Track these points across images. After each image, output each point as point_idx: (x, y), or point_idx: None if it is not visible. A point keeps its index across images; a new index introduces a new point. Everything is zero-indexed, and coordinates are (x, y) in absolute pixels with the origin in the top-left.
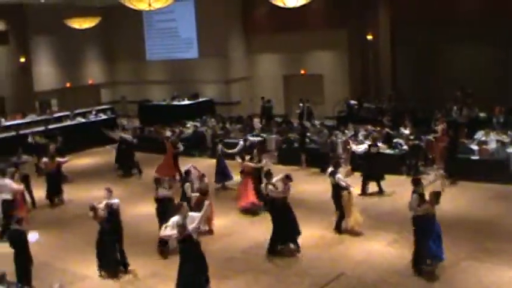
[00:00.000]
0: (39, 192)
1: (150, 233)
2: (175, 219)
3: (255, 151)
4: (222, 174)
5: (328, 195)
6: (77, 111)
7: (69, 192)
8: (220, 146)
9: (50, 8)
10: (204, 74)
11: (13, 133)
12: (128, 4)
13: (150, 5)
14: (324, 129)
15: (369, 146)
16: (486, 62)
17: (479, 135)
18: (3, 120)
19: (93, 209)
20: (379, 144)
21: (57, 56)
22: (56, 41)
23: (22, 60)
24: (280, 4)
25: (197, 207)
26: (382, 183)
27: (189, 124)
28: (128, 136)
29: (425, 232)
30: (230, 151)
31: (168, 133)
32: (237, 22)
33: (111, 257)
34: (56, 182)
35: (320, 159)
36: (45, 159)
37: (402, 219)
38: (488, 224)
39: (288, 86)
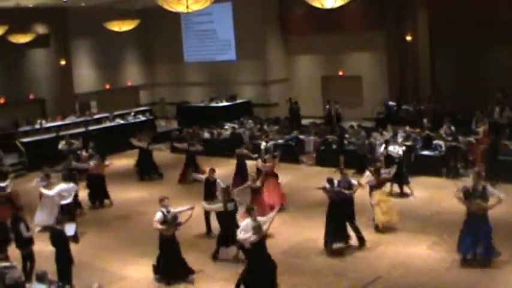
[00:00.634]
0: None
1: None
2: (248, 222)
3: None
4: (241, 175)
5: (365, 197)
6: (116, 112)
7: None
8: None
9: (90, 11)
10: (241, 75)
11: (54, 134)
12: (166, 6)
13: (188, 7)
14: (361, 130)
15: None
16: None
17: None
18: (44, 121)
19: (178, 224)
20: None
21: (96, 59)
22: (96, 44)
23: (62, 62)
24: (318, 5)
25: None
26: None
27: (227, 126)
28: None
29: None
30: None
31: (206, 135)
32: (275, 23)
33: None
34: (101, 185)
35: (358, 160)
36: (93, 162)
37: (443, 222)
38: None
39: (326, 87)
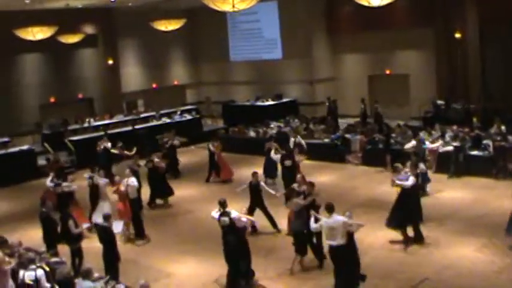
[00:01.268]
0: None
1: None
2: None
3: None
4: (270, 169)
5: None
6: (162, 111)
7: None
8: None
9: (136, 11)
10: (287, 74)
11: (102, 133)
12: (211, 6)
13: (233, 6)
14: (408, 130)
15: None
16: None
17: None
18: (92, 120)
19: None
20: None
21: (143, 58)
22: (143, 43)
23: (110, 62)
24: (365, 3)
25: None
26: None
27: (273, 124)
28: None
29: None
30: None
31: (252, 133)
32: (321, 22)
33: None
34: (165, 182)
35: (405, 160)
36: (157, 159)
37: (491, 223)
38: None
39: (373, 86)
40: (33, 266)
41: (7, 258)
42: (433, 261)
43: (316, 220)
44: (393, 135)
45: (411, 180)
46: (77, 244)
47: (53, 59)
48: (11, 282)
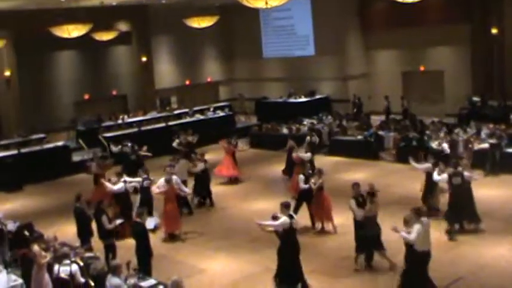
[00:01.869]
0: None
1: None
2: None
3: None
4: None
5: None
6: (196, 108)
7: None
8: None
9: (170, 8)
10: (320, 71)
11: (135, 129)
12: (245, 3)
13: (267, 3)
14: (443, 127)
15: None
16: None
17: None
18: (126, 117)
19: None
20: None
21: (176, 55)
22: (176, 40)
23: (144, 59)
24: None
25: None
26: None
27: (306, 121)
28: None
29: None
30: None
31: (285, 130)
32: (354, 18)
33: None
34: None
35: (439, 157)
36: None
37: None
38: None
39: (407, 83)
40: (68, 261)
41: (43, 253)
42: (468, 260)
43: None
44: (427, 132)
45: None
46: (110, 240)
47: (88, 57)
48: (47, 276)
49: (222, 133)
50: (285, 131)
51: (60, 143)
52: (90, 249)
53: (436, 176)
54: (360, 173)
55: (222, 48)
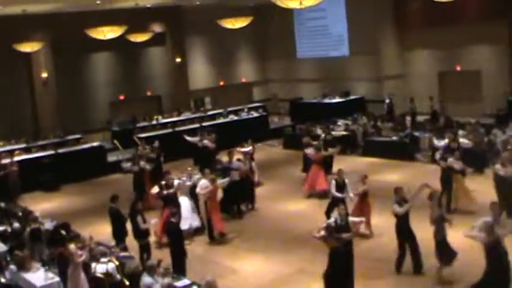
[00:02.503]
0: None
1: (296, 229)
2: (487, 220)
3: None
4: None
5: (487, 195)
6: (230, 109)
7: None
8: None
9: (203, 9)
10: (355, 71)
11: (170, 130)
12: (278, 3)
13: (301, 3)
14: (479, 127)
15: None
16: None
17: None
18: (160, 117)
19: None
20: None
21: (210, 55)
22: (210, 41)
23: (178, 60)
24: None
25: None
26: None
27: (340, 122)
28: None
29: None
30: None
31: (319, 131)
32: (389, 18)
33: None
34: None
35: (475, 158)
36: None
37: None
38: None
39: (443, 83)
40: (105, 260)
41: (79, 252)
42: None
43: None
44: (464, 132)
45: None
46: (145, 239)
47: (123, 58)
48: (82, 275)
49: (256, 134)
50: (319, 131)
51: (95, 144)
52: (125, 249)
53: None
54: (394, 174)
55: (256, 48)
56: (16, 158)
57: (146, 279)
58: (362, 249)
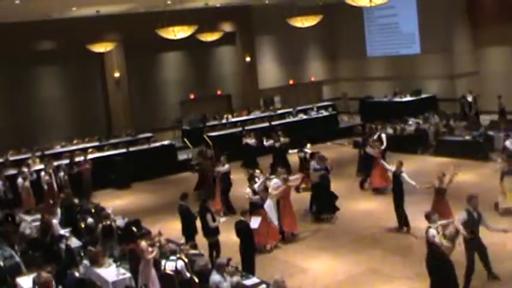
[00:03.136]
0: None
1: (366, 229)
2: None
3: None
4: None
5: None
6: (299, 108)
7: None
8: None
9: (273, 8)
10: (426, 69)
11: (239, 129)
12: (348, 1)
13: (371, 1)
14: None
15: None
16: None
17: None
18: (230, 116)
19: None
20: None
21: (280, 54)
22: (279, 40)
23: (248, 59)
24: None
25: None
26: None
27: (411, 121)
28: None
29: None
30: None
31: (390, 130)
32: (463, 14)
33: None
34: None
35: None
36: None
37: None
38: None
39: None
40: (174, 257)
41: (150, 249)
42: None
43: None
44: None
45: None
46: (214, 237)
47: (193, 57)
48: (153, 271)
49: (325, 133)
50: (389, 131)
51: (166, 142)
52: (194, 247)
53: None
54: (468, 174)
55: (326, 47)
56: (89, 156)
57: (215, 277)
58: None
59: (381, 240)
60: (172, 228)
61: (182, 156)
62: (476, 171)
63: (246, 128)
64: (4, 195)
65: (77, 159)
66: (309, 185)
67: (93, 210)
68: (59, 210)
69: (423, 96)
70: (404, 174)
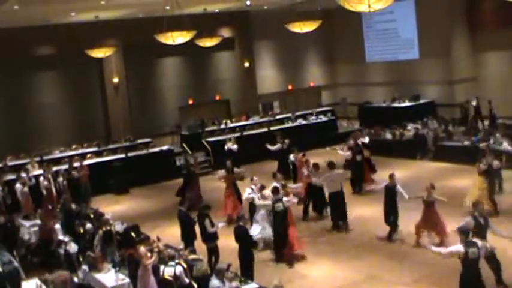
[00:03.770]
0: None
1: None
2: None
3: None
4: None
5: None
6: (298, 113)
7: None
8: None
9: (272, 14)
10: (425, 74)
11: (238, 134)
12: (347, 6)
13: (369, 6)
14: None
15: None
16: None
17: None
18: (229, 121)
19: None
20: None
21: (279, 60)
22: (278, 45)
23: (246, 64)
24: None
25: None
26: None
27: (410, 126)
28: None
29: None
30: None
31: (388, 135)
32: (461, 20)
33: None
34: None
35: None
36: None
37: None
38: None
39: None
40: (173, 263)
41: (149, 254)
42: None
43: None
44: None
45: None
46: (213, 243)
47: (192, 62)
48: (152, 277)
49: (324, 138)
50: (388, 136)
51: (165, 147)
52: (193, 252)
53: None
54: (466, 179)
55: (325, 52)
56: (87, 162)
57: (214, 282)
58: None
59: (379, 247)
60: (171, 233)
61: (181, 161)
62: (474, 177)
63: (229, 135)
64: (3, 200)
65: (75, 164)
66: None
67: (92, 216)
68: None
69: (422, 101)
70: (399, 187)
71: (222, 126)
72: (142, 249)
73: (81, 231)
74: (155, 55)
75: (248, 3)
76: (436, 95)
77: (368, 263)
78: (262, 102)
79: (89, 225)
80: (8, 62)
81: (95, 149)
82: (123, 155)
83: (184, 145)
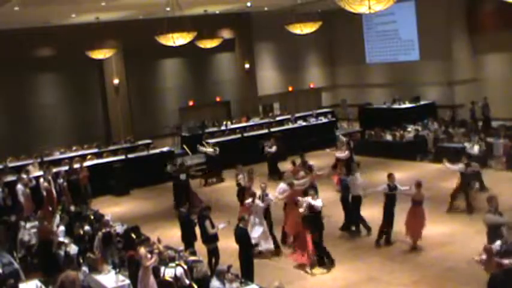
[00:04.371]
0: None
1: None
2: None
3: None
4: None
5: None
6: (298, 114)
7: None
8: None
9: (272, 15)
10: (425, 76)
11: (238, 136)
12: (347, 8)
13: (370, 7)
14: None
15: None
16: None
17: None
18: (229, 123)
19: None
20: None
21: (279, 61)
22: (278, 47)
23: (246, 66)
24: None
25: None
26: None
27: (410, 128)
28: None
29: None
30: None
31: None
32: (461, 21)
33: None
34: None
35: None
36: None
37: None
38: None
39: None
40: (173, 264)
41: (149, 255)
42: None
43: None
44: None
45: None
46: (213, 244)
47: (192, 64)
48: (152, 278)
49: (324, 140)
50: (388, 137)
51: (165, 149)
52: (194, 253)
53: None
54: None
55: (325, 54)
56: (87, 163)
57: (215, 283)
58: (430, 258)
59: (379, 248)
60: (171, 234)
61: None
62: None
63: (207, 140)
64: (3, 201)
65: (75, 166)
66: None
67: (92, 217)
68: (58, 217)
69: (422, 103)
70: (399, 186)
71: (223, 127)
72: (142, 250)
73: (81, 232)
74: (155, 56)
75: (249, 4)
76: (436, 97)
77: (368, 265)
78: (263, 103)
79: (87, 228)
80: (9, 63)
81: (95, 150)
82: (123, 156)
83: (185, 146)
